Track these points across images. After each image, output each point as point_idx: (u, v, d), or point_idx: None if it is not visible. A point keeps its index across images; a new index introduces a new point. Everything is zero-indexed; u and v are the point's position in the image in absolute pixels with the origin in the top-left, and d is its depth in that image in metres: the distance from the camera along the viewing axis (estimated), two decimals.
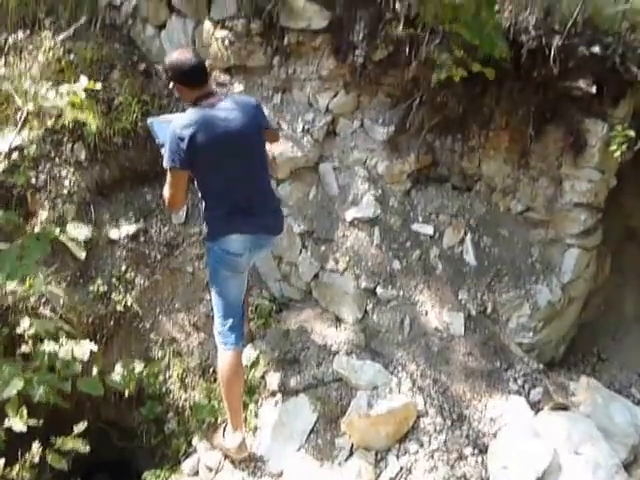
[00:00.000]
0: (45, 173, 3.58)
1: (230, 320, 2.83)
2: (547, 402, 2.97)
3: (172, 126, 2.49)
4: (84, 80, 2.13)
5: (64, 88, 2.07)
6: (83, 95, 2.12)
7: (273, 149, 3.39)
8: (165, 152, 2.54)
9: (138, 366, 3.40)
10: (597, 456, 2.63)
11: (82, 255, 2.56)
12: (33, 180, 3.54)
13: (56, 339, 2.89)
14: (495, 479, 2.61)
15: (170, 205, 2.73)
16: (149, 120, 2.89)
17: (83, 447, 2.49)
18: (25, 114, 1.92)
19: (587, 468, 2.60)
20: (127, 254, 3.66)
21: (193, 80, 2.59)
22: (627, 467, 2.73)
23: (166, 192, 2.65)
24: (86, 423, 2.51)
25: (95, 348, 2.80)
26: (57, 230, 2.03)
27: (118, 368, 3.31)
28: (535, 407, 2.96)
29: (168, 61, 2.63)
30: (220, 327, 2.86)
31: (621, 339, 3.86)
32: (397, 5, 3.20)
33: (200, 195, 2.77)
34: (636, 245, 3.89)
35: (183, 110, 3.10)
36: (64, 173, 3.59)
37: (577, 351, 3.80)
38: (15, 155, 3.35)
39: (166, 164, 2.56)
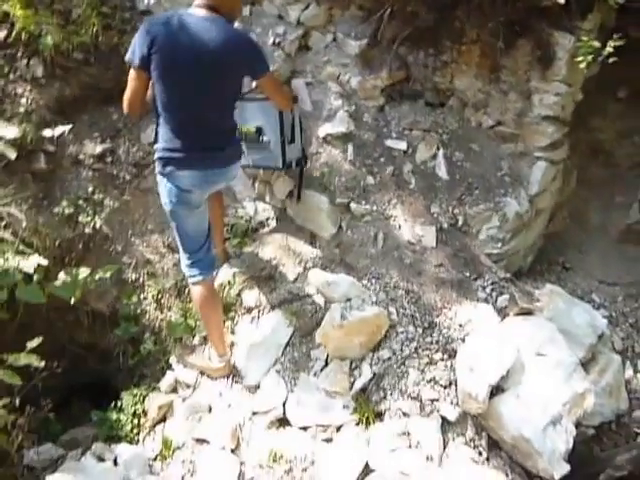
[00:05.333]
0: None
1: (194, 255, 2.70)
2: (513, 308, 3.08)
3: (147, 18, 2.31)
4: None
5: None
6: None
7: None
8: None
9: (83, 272, 3.14)
10: (558, 355, 2.76)
11: (12, 155, 2.37)
12: None
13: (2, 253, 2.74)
14: (462, 380, 2.70)
15: (125, 107, 2.42)
16: None
17: (37, 362, 2.42)
18: None
19: (548, 367, 2.72)
20: (94, 175, 3.55)
21: None
22: (585, 365, 2.89)
23: (126, 92, 2.36)
24: (40, 339, 2.44)
25: (44, 262, 2.66)
26: None
27: (61, 275, 3.07)
28: (502, 313, 3.06)
29: None
30: (186, 261, 2.74)
31: (585, 250, 4.01)
32: None
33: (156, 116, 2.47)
34: (600, 160, 3.99)
35: None
36: (20, 90, 3.41)
37: (543, 261, 3.94)
38: None
39: (126, 57, 2.32)
